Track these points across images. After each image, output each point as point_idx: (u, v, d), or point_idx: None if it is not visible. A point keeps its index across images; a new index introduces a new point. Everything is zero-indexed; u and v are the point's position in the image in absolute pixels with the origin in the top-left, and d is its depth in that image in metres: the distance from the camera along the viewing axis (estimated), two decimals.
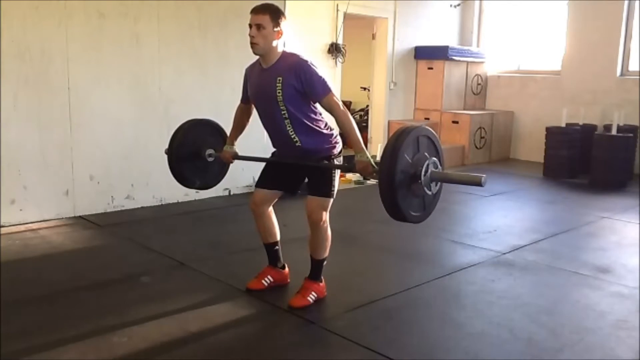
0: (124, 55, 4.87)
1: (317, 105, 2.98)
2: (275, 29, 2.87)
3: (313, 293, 3.10)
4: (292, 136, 2.96)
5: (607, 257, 4.10)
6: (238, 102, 3.31)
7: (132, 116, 5.00)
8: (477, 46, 9.04)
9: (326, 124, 3.05)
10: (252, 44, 2.90)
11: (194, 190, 5.42)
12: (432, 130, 2.74)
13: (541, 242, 4.43)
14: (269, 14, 2.85)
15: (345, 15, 7.19)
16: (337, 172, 3.09)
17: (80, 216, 4.73)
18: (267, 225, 3.27)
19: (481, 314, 3.11)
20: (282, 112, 2.91)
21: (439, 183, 2.70)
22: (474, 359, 2.62)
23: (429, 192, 2.64)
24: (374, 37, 8.14)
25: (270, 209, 3.28)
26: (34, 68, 4.39)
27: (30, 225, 4.43)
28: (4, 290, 3.18)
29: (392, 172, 2.49)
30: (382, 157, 2.56)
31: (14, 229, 4.34)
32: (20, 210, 4.45)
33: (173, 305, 3.10)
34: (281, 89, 2.86)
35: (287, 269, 3.40)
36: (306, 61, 2.90)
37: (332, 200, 3.05)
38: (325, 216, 3.03)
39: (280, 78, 2.86)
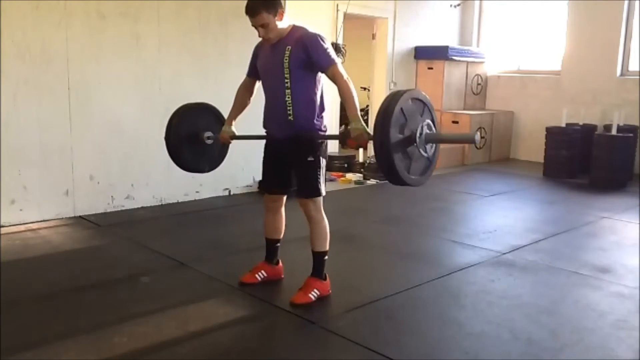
0: (124, 55, 4.86)
1: (320, 82, 3.06)
2: (276, 16, 2.94)
3: (315, 290, 3.11)
4: (289, 109, 2.99)
5: (607, 257, 4.10)
6: None
7: (132, 116, 4.99)
8: (477, 46, 9.04)
9: (322, 108, 3.11)
10: (265, 40, 3.02)
11: (194, 190, 5.44)
12: (424, 93, 2.74)
13: (541, 242, 4.43)
14: (264, 10, 2.90)
15: (345, 15, 7.17)
16: (323, 168, 3.11)
17: (80, 216, 4.72)
18: (277, 221, 3.35)
19: (481, 314, 3.11)
20: (286, 81, 2.96)
21: (434, 145, 2.71)
22: (474, 359, 2.62)
23: (425, 154, 2.66)
24: (374, 37, 8.13)
25: (282, 208, 3.35)
26: (34, 68, 4.39)
27: (30, 225, 4.43)
28: (4, 290, 3.18)
29: (386, 135, 2.47)
30: (375, 121, 2.57)
31: (14, 229, 4.34)
32: (20, 210, 4.45)
33: (173, 305, 3.10)
34: (288, 57, 2.95)
35: (280, 264, 3.46)
36: (314, 34, 3.00)
37: (321, 197, 3.11)
38: (318, 209, 3.10)
39: (289, 47, 2.97)
